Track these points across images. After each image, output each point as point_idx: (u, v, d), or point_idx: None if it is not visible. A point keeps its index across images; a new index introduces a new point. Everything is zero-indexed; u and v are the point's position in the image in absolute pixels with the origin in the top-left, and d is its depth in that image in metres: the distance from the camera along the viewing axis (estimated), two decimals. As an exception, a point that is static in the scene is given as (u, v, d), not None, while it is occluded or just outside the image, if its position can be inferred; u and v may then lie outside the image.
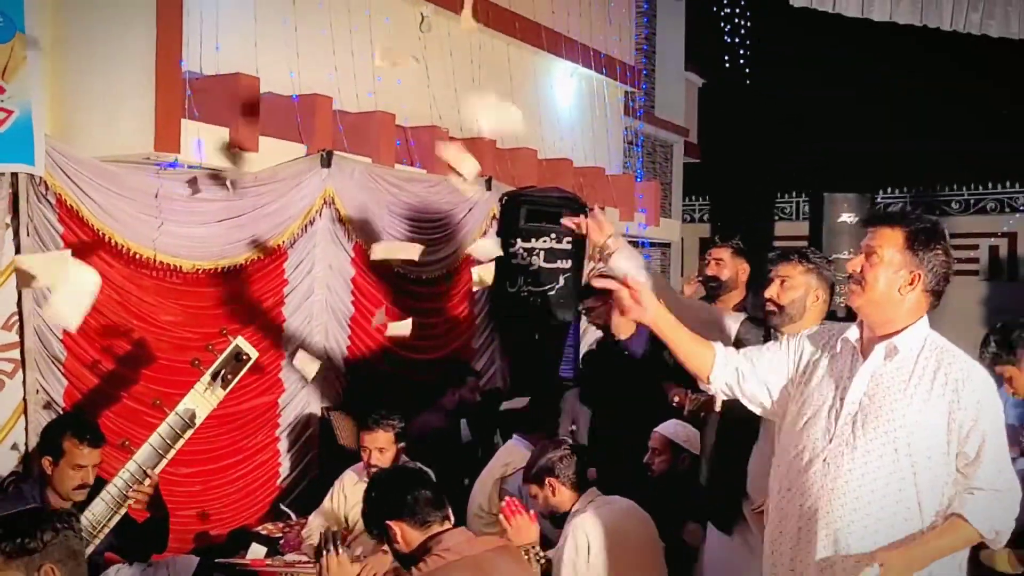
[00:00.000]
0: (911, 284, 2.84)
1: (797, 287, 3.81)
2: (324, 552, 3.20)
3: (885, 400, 2.82)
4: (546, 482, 4.10)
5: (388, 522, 3.21)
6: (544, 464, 4.12)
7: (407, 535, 3.19)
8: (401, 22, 7.24)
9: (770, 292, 3.84)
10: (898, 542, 2.78)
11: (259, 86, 5.55)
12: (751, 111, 12.79)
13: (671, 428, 5.19)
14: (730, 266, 5.28)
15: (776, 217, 14.65)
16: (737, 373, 3.10)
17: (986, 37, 8.27)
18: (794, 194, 14.47)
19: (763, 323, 4.04)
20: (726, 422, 3.95)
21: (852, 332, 2.98)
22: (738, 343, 4.06)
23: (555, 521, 4.18)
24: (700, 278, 5.44)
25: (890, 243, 2.86)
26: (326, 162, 5.88)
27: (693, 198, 14.86)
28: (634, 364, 5.69)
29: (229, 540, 5.49)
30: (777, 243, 13.47)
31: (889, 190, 13.70)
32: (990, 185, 13.46)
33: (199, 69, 5.43)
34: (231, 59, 5.58)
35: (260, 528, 5.48)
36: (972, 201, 13.54)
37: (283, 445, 6.00)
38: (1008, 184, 13.38)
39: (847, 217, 11.23)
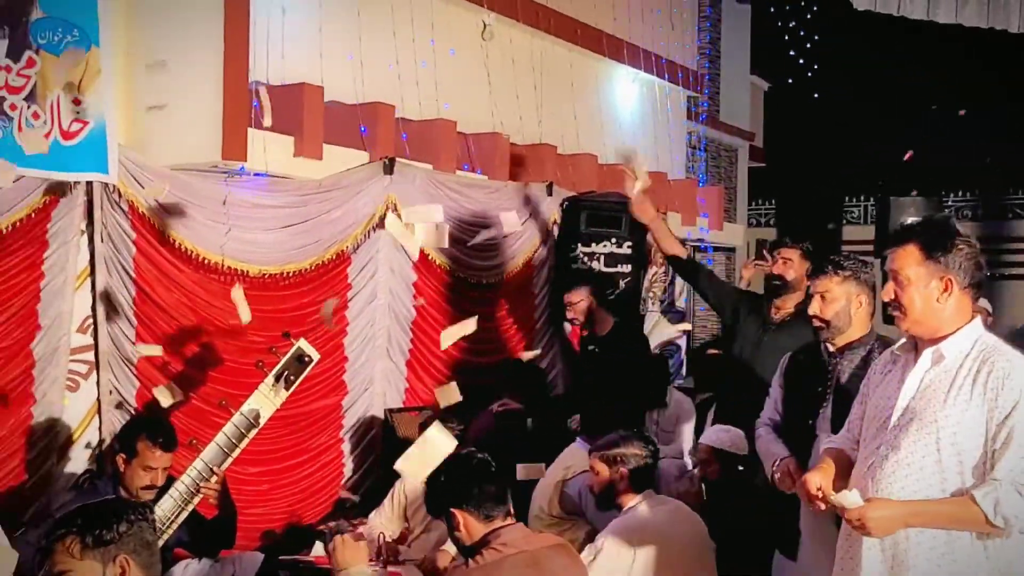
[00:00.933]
0: (946, 291, 2.85)
1: (838, 298, 3.83)
2: (330, 537, 3.21)
3: (930, 403, 2.82)
4: (619, 470, 4.16)
5: (453, 510, 3.25)
6: (626, 452, 4.18)
7: (470, 526, 3.23)
8: (464, 31, 7.34)
9: (813, 309, 3.87)
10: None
11: (323, 95, 5.68)
12: (817, 114, 12.66)
13: (713, 436, 5.22)
14: (797, 267, 5.30)
15: (844, 221, 14.50)
16: None
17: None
18: (862, 198, 14.30)
19: (806, 351, 4.08)
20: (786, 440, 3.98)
21: (900, 343, 3.01)
22: (787, 377, 4.10)
23: (602, 503, 4.26)
24: (762, 265, 5.50)
25: (910, 261, 2.88)
26: (389, 169, 5.98)
27: (760, 202, 14.77)
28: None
29: (294, 538, 5.61)
30: (845, 247, 13.31)
31: (960, 193, 13.48)
32: (1065, 187, 13.19)
33: (265, 79, 5.58)
34: (296, 69, 5.71)
35: (323, 527, 5.60)
36: (1046, 204, 13.27)
37: (347, 446, 6.11)
38: (1084, 186, 13.10)
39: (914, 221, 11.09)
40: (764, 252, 6.44)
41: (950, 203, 13.28)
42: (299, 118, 5.49)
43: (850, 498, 2.75)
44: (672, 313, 10.09)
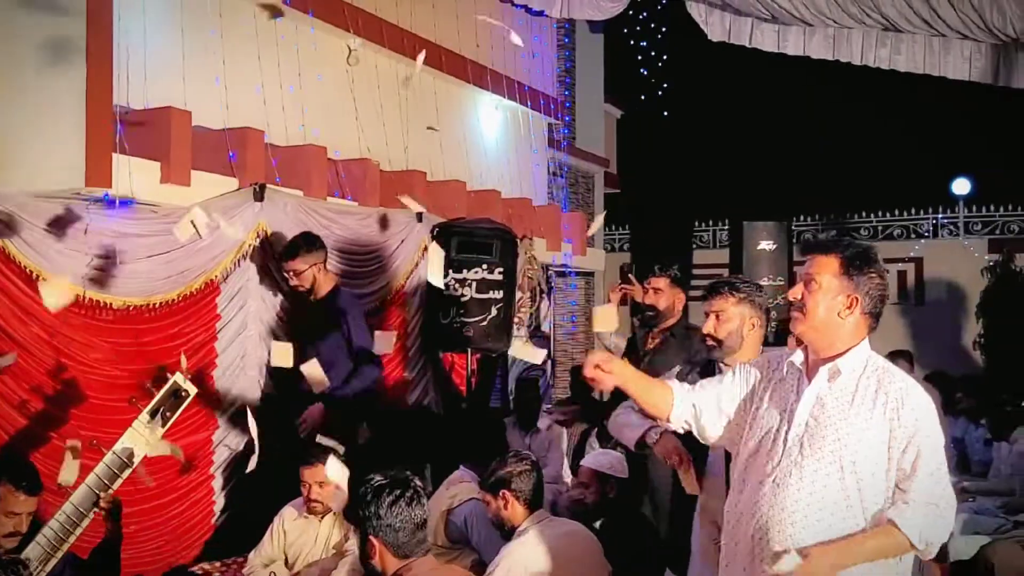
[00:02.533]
0: (849, 308, 2.95)
1: (732, 319, 3.93)
2: None
3: (830, 420, 2.91)
4: (500, 494, 4.15)
5: (371, 538, 3.09)
6: (503, 475, 4.18)
7: (385, 560, 3.10)
8: (329, 55, 7.26)
9: (707, 328, 3.97)
10: (828, 540, 2.85)
11: (191, 120, 5.50)
12: (668, 141, 13.07)
13: (594, 460, 5.28)
14: (667, 295, 5.41)
15: (694, 245, 14.95)
16: (694, 408, 3.19)
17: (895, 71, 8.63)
18: (711, 222, 14.78)
19: (697, 364, 4.16)
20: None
21: (797, 356, 3.07)
22: None
23: (504, 533, 4.23)
24: (627, 289, 5.64)
25: (826, 270, 2.97)
26: (259, 195, 5.82)
27: (614, 228, 15.08)
28: None
29: (164, 581, 5.38)
30: (696, 271, 13.72)
31: (803, 218, 14.10)
32: (897, 212, 13.95)
33: (127, 102, 5.36)
34: (161, 93, 5.52)
35: (195, 568, 5.38)
36: (880, 228, 14.00)
37: (217, 483, 5.88)
38: (914, 211, 13.88)
39: (766, 245, 11.58)
40: (628, 276, 6.56)
41: (795, 227, 13.90)
42: (166, 143, 5.30)
43: (789, 561, 2.80)
44: (537, 338, 10.17)
